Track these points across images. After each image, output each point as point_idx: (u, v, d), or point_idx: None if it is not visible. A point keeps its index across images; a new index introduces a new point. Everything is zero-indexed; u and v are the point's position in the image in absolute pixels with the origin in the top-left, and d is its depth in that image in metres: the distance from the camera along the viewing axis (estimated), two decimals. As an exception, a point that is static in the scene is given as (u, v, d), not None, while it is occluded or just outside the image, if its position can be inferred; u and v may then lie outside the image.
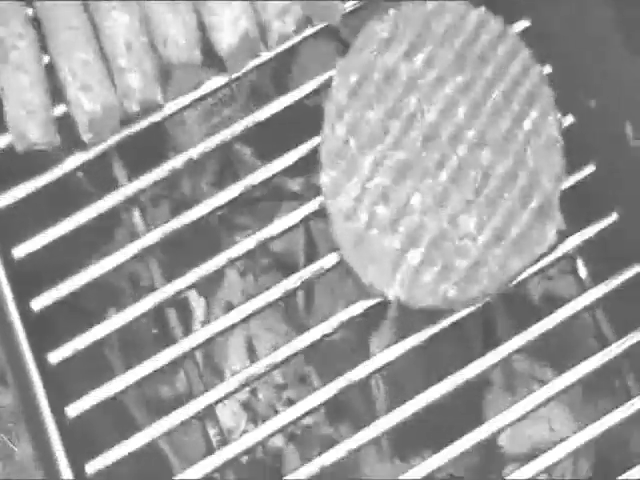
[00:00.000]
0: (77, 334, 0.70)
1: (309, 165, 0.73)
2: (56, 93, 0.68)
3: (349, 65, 0.74)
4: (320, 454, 0.71)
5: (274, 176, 0.74)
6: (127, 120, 0.70)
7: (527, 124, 0.73)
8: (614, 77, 0.75)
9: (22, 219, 0.70)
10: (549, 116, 0.74)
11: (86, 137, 0.68)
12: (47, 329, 0.71)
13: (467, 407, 0.85)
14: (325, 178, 0.71)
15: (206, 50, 0.74)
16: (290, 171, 0.74)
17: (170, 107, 0.72)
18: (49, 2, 0.74)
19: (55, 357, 0.70)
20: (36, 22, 0.75)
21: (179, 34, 0.72)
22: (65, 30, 0.72)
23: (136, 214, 0.72)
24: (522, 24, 0.79)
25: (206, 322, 0.80)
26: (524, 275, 0.72)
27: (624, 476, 0.69)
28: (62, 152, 0.70)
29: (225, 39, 0.72)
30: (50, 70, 0.72)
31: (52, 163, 0.70)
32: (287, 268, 0.86)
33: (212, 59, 0.74)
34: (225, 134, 0.72)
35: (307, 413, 0.71)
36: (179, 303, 0.74)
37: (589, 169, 0.76)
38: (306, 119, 0.69)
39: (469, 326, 0.81)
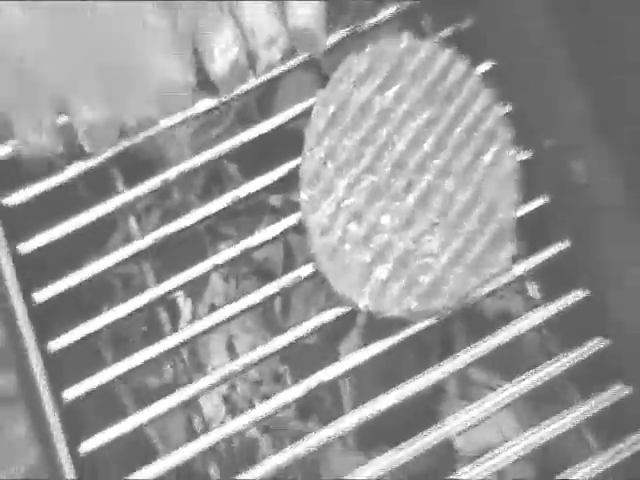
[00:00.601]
0: (75, 326, 0.71)
1: (289, 183, 0.74)
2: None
3: (328, 96, 0.75)
4: (291, 446, 0.71)
5: (257, 192, 0.75)
6: (125, 133, 0.72)
7: (487, 157, 0.74)
8: (565, 119, 0.76)
9: (27, 218, 0.73)
10: (507, 151, 0.75)
11: (87, 146, 0.71)
12: (48, 320, 0.72)
13: (425, 411, 0.86)
14: (304, 196, 0.72)
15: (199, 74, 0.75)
16: (271, 188, 0.75)
17: (164, 124, 0.74)
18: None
19: (55, 345, 0.71)
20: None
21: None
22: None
23: (132, 220, 0.74)
24: (487, 65, 0.79)
25: (192, 321, 0.79)
26: (480, 293, 0.73)
27: (562, 476, 0.71)
28: (63, 160, 0.73)
29: (217, 67, 0.74)
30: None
31: (53, 171, 0.72)
32: (266, 276, 0.89)
33: (204, 83, 0.76)
34: (213, 152, 0.75)
35: (280, 408, 0.72)
36: (168, 303, 0.76)
37: (542, 201, 0.77)
38: (287, 142, 0.71)
39: (429, 337, 0.81)
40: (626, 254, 0.74)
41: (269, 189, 0.76)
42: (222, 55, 0.75)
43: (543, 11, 0.76)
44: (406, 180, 0.73)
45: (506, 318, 0.83)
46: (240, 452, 0.90)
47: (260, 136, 0.75)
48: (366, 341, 0.75)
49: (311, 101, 0.77)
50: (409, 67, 0.76)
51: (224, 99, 0.77)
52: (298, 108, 0.79)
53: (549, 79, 0.77)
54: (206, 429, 0.72)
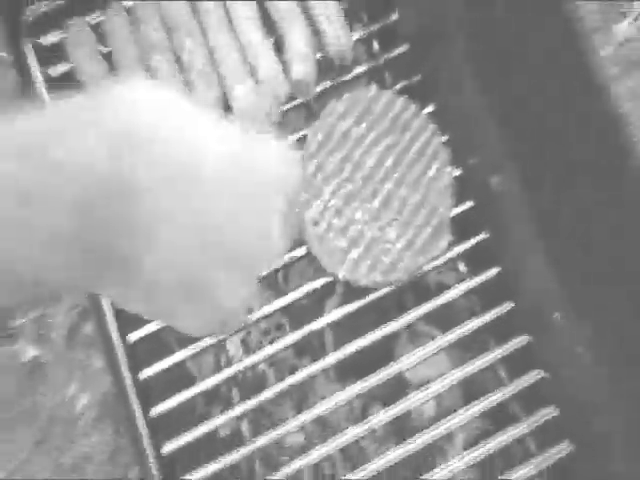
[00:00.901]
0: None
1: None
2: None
3: (318, 127, 0.86)
4: (289, 377, 0.81)
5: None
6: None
7: (431, 172, 0.85)
8: (484, 145, 0.87)
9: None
10: (445, 168, 0.85)
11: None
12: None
13: (385, 352, 0.93)
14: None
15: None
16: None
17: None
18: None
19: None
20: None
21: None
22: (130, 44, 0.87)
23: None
24: (430, 107, 0.91)
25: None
26: (425, 269, 0.84)
27: (480, 400, 0.82)
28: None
29: (237, 105, 0.85)
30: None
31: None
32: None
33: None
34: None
35: (282, 349, 0.82)
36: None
37: (468, 204, 0.88)
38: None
39: (388, 300, 0.85)
40: (528, 243, 0.85)
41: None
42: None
43: (469, 70, 0.87)
44: (373, 188, 0.85)
45: (443, 287, 0.90)
46: (253, 381, 0.95)
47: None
48: (343, 302, 0.86)
49: (306, 131, 0.88)
50: (375, 108, 0.87)
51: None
52: (296, 135, 0.90)
53: (472, 116, 0.89)
54: (229, 364, 0.84)
